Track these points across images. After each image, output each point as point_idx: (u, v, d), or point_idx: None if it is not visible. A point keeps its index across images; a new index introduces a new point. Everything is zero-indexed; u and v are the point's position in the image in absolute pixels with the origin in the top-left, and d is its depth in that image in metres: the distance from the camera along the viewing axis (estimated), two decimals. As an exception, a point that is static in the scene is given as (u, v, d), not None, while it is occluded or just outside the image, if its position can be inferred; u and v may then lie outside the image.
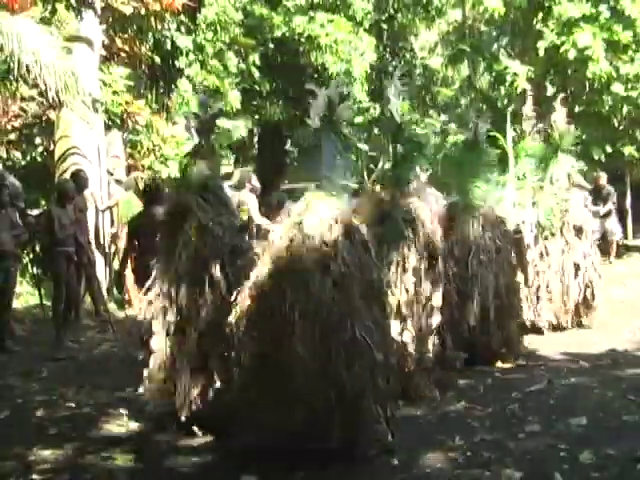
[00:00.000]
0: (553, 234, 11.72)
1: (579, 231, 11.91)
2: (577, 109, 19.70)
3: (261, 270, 6.39)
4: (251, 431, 6.16)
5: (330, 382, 6.01)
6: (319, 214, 6.43)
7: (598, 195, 18.29)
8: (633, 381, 8.61)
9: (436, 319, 8.30)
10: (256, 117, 21.06)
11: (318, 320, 6.08)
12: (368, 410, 6.20)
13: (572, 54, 18.83)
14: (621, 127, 19.82)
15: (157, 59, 17.90)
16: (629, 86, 19.46)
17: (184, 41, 18.32)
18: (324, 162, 6.70)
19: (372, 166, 8.84)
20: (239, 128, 20.01)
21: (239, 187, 13.38)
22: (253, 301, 6.33)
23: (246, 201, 13.19)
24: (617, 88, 19.28)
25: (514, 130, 13.48)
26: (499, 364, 9.41)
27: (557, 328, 11.49)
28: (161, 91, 18.34)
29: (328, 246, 6.29)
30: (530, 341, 10.65)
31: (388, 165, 8.70)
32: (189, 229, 7.15)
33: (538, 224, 11.70)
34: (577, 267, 11.70)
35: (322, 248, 6.28)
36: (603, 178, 18.95)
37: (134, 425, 7.40)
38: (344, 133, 6.86)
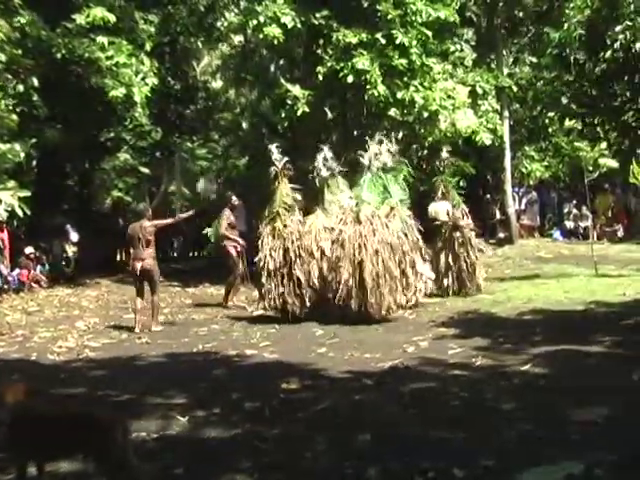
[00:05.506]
0: None
1: None
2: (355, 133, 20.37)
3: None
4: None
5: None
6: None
7: None
8: (414, 395, 8.89)
9: None
10: (34, 140, 20.30)
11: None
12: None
13: (350, 79, 19.35)
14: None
15: None
16: (405, 111, 20.26)
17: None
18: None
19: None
20: (16, 151, 19.26)
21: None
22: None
23: (222, 215, 17.94)
24: (393, 113, 20.06)
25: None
26: (285, 385, 9.47)
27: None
28: None
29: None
30: (317, 361, 10.88)
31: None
32: None
33: None
34: None
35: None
36: None
37: None
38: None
